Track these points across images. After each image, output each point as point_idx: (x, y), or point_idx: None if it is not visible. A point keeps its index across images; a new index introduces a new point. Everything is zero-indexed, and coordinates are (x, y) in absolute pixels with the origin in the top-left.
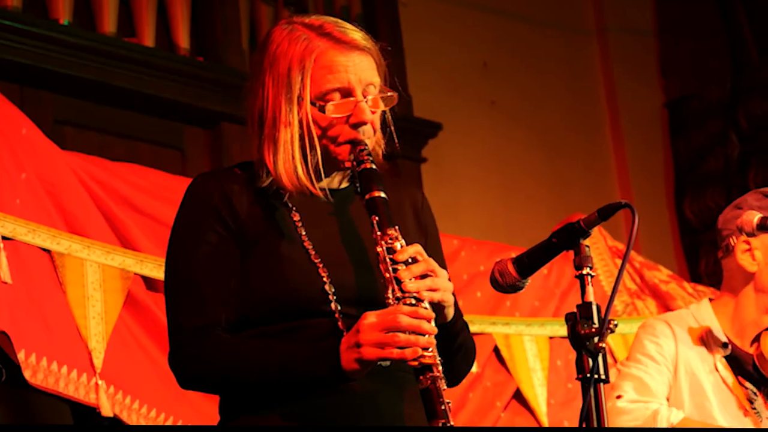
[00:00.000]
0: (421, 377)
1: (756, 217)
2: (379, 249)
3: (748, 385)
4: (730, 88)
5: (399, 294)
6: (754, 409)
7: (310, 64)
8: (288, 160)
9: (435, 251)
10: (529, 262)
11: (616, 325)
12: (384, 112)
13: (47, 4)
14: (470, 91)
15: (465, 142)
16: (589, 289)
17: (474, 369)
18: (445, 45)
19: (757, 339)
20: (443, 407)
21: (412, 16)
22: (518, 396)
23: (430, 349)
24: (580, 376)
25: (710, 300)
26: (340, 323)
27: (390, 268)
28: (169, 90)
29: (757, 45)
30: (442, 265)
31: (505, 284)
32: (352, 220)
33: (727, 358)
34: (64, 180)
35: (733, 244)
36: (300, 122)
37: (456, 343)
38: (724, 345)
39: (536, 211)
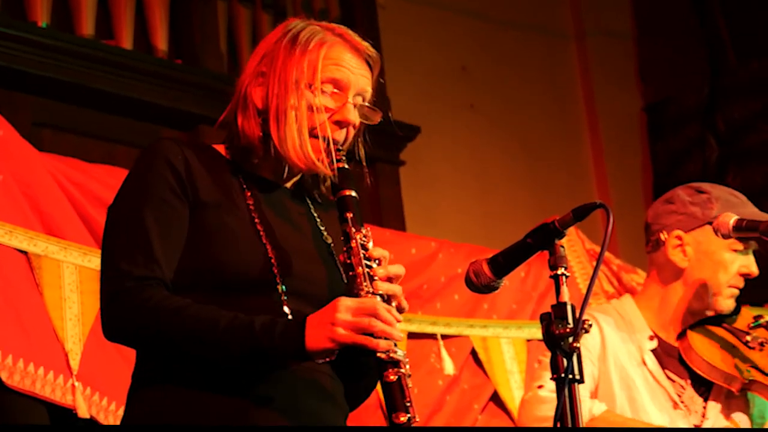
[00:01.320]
0: (388, 370)
1: (732, 219)
2: (353, 243)
3: (675, 378)
4: (708, 91)
5: (370, 289)
6: (683, 402)
7: (321, 54)
8: (295, 138)
9: None
10: (504, 263)
11: (590, 325)
12: (363, 127)
13: (25, 6)
14: (449, 94)
15: (443, 145)
16: (564, 289)
17: (451, 371)
18: (424, 48)
19: (683, 333)
20: (407, 402)
21: (390, 18)
22: (496, 398)
23: (396, 346)
24: (554, 376)
25: (632, 295)
26: (285, 306)
27: (363, 263)
28: (147, 92)
29: (734, 47)
30: None
31: (480, 284)
32: (310, 219)
33: (653, 351)
34: (41, 182)
35: (663, 239)
36: (305, 107)
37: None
38: (651, 338)
39: (515, 215)
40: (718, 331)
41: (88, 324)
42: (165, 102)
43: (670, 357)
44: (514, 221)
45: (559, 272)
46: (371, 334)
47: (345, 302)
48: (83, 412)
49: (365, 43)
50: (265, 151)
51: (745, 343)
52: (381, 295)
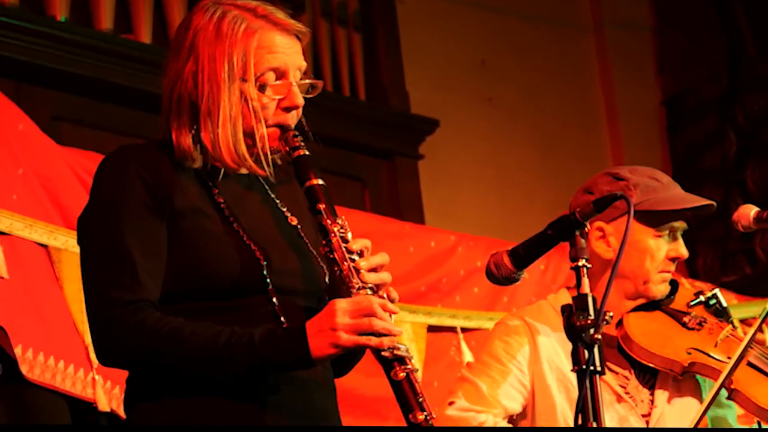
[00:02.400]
0: (395, 369)
1: (753, 211)
2: (332, 237)
3: (618, 369)
4: (727, 83)
5: (359, 284)
6: (628, 393)
7: (253, 44)
8: (229, 137)
9: None
10: (524, 254)
11: (611, 317)
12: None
13: (44, 1)
14: (467, 88)
15: (462, 139)
16: (585, 280)
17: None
18: (443, 42)
19: (620, 322)
20: (419, 399)
21: (409, 12)
22: None
23: (399, 342)
24: (575, 367)
25: (568, 288)
26: (277, 307)
27: (347, 257)
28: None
29: (754, 39)
30: None
31: (500, 276)
32: (271, 204)
33: None
34: (61, 175)
35: (586, 230)
36: (239, 103)
37: None
38: None
39: (533, 208)
40: (655, 315)
41: None
42: None
43: (609, 348)
44: (533, 214)
45: (579, 264)
46: (372, 333)
47: (340, 305)
48: (103, 406)
49: (291, 20)
50: (203, 151)
51: (684, 324)
52: (371, 288)
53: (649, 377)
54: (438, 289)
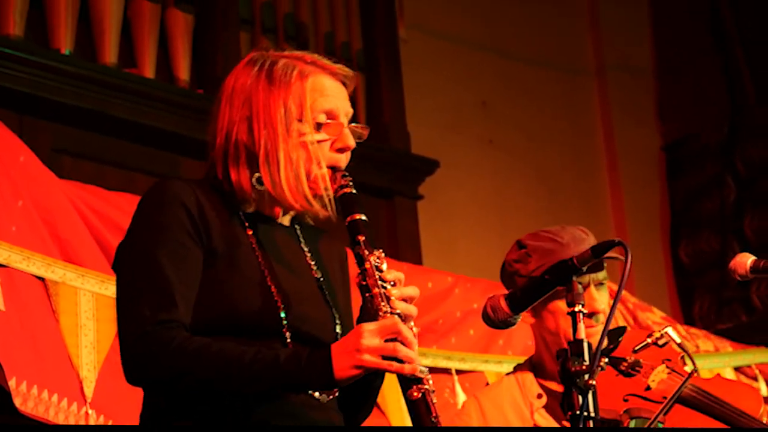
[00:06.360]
0: (411, 388)
1: (750, 259)
2: (367, 264)
3: (565, 423)
4: (727, 131)
5: (388, 309)
6: None
7: (308, 87)
8: (291, 180)
9: (350, 306)
10: (521, 298)
11: (607, 363)
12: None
13: (49, 34)
14: (469, 129)
15: (462, 180)
16: (581, 326)
17: None
18: (445, 82)
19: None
20: (433, 417)
21: (412, 52)
22: None
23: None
24: (569, 413)
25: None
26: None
27: (379, 284)
28: (167, 121)
29: (755, 87)
30: None
31: (497, 320)
32: (300, 255)
33: (545, 407)
34: (61, 208)
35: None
36: (299, 144)
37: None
38: (539, 396)
39: None
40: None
41: (103, 352)
42: (185, 131)
43: (557, 402)
44: None
45: (576, 309)
46: (395, 358)
47: (367, 327)
48: None
49: (338, 65)
50: (259, 194)
51: (622, 372)
52: (399, 314)
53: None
54: (434, 330)
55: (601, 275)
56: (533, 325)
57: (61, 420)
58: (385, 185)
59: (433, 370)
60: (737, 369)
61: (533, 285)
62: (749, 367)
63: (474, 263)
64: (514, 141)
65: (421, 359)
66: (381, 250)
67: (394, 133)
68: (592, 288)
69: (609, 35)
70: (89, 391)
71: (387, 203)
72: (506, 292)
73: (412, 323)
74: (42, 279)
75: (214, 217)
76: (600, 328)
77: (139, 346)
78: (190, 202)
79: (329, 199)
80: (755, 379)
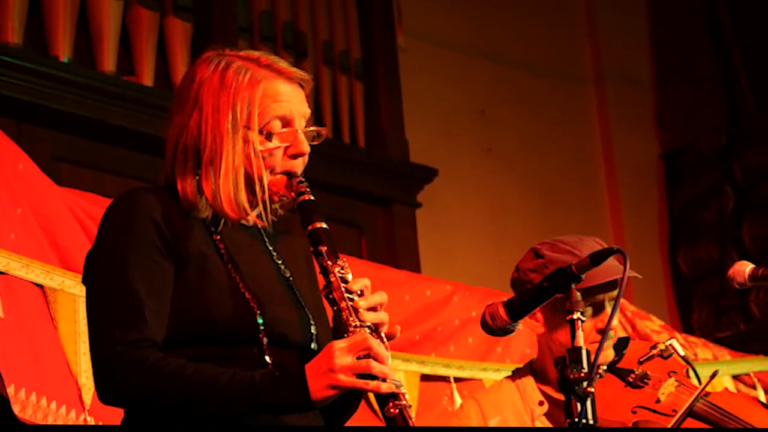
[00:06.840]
0: (388, 405)
1: (748, 268)
2: (332, 278)
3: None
4: (725, 139)
5: (357, 323)
6: None
7: (258, 93)
8: (230, 188)
9: (321, 301)
10: (519, 306)
11: (605, 371)
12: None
13: (48, 41)
14: (467, 137)
15: (461, 188)
16: (579, 333)
17: None
18: (443, 91)
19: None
20: None
21: (411, 61)
22: None
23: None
24: (568, 420)
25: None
26: (267, 356)
27: (345, 297)
28: (165, 129)
29: (753, 95)
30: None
31: (495, 327)
32: (268, 255)
33: (546, 415)
34: (59, 216)
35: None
36: (243, 151)
37: None
38: (540, 404)
39: None
40: (605, 378)
41: None
42: None
43: (560, 411)
44: None
45: (575, 317)
46: (370, 376)
47: (338, 345)
48: None
49: (294, 69)
50: (207, 201)
51: (629, 383)
52: (369, 326)
53: None
54: (432, 338)
55: (615, 293)
56: (541, 335)
57: None
58: (384, 193)
59: (431, 377)
60: (735, 377)
61: (532, 293)
62: (747, 375)
63: (472, 271)
64: (512, 149)
65: (419, 367)
66: (344, 258)
67: (393, 141)
68: (607, 305)
69: (607, 44)
70: (88, 398)
71: (385, 211)
72: (504, 299)
73: (384, 331)
74: (41, 286)
75: (181, 226)
76: (611, 343)
77: (110, 367)
78: (158, 214)
79: (269, 210)
80: (753, 387)
